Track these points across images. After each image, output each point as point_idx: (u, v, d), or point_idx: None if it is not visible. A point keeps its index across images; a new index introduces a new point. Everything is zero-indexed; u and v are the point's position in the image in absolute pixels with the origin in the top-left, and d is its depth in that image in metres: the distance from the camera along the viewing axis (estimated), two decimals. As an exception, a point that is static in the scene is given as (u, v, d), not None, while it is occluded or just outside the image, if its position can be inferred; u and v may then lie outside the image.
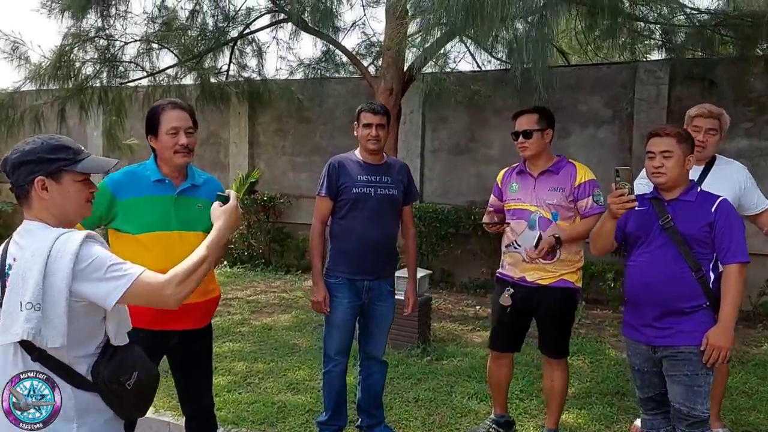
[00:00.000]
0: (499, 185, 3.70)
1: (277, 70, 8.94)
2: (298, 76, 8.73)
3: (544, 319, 3.54)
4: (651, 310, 2.89)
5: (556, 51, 9.00)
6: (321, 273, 3.52)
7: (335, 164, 3.52)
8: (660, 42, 7.25)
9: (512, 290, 3.50)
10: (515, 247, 3.49)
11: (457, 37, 7.20)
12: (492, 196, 3.76)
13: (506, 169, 3.73)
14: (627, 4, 6.32)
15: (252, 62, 8.40)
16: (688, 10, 6.88)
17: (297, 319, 6.33)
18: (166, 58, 11.29)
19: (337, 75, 9.19)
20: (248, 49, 8.35)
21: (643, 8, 6.57)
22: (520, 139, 3.48)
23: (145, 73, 8.04)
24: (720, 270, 2.88)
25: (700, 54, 7.13)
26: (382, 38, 7.37)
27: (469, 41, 7.36)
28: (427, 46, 7.14)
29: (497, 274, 3.67)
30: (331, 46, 7.77)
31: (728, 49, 6.84)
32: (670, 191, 2.90)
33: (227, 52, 8.20)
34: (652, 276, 2.86)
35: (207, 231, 2.85)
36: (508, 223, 3.50)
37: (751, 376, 4.86)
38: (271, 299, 7.20)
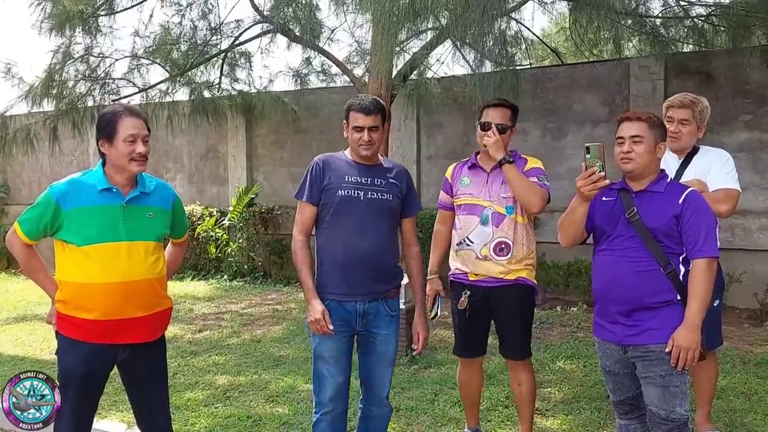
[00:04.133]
0: (449, 180, 3.51)
1: (269, 81, 8.79)
2: (290, 86, 8.70)
3: (504, 320, 3.37)
4: (618, 307, 2.74)
5: (550, 51, 8.88)
6: (313, 288, 2.89)
7: (320, 163, 2.96)
8: (653, 36, 7.09)
9: (469, 293, 3.34)
10: (468, 245, 3.33)
11: (448, 40, 7.15)
12: (442, 192, 3.56)
13: (456, 163, 3.58)
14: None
15: (242, 74, 8.39)
16: (682, 4, 6.75)
17: (287, 331, 6.22)
18: (156, 74, 11.37)
19: (333, 85, 9.17)
20: (239, 62, 8.33)
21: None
22: (492, 131, 3.31)
23: (136, 89, 8.06)
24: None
25: (694, 47, 6.97)
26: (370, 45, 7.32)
27: (460, 43, 7.27)
28: (415, 50, 7.12)
29: (450, 278, 3.48)
30: (314, 53, 7.73)
31: (722, 41, 6.66)
32: (638, 181, 2.75)
33: (218, 66, 8.20)
34: (619, 272, 2.71)
35: (158, 240, 2.80)
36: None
37: (751, 376, 4.65)
38: (264, 312, 7.11)
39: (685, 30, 6.76)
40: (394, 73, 6.93)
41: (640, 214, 2.69)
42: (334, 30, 7.55)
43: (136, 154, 2.63)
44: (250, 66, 8.35)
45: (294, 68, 8.39)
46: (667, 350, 2.61)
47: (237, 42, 8.00)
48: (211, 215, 9.73)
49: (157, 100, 8.27)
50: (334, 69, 8.51)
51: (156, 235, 2.75)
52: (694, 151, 3.49)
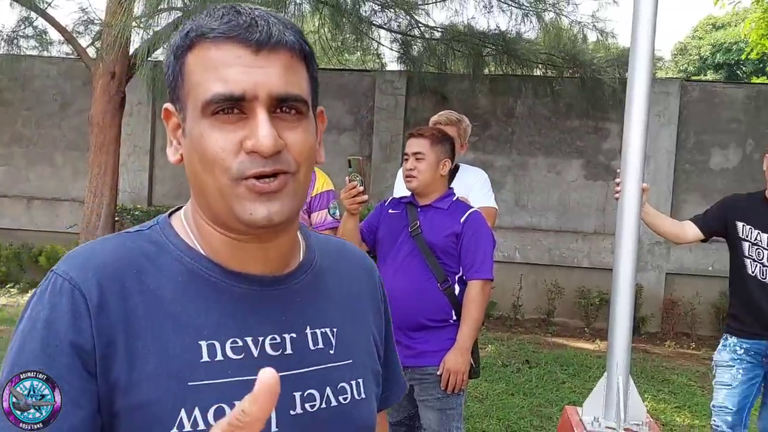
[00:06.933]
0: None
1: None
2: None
3: None
4: (398, 326, 2.63)
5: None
6: None
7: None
8: (398, 53, 7.40)
9: None
10: None
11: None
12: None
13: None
14: (367, 8, 6.32)
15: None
16: (422, 27, 7.14)
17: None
18: None
19: (47, 54, 7.82)
20: None
21: (383, 15, 6.62)
22: None
23: None
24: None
25: (434, 69, 7.44)
26: (103, 15, 6.37)
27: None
28: (157, 29, 6.38)
29: None
30: (34, 15, 6.49)
31: (459, 66, 7.20)
32: (424, 197, 2.71)
33: None
34: (398, 287, 2.60)
35: None
36: None
37: (480, 380, 4.98)
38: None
39: (427, 51, 7.17)
40: (132, 50, 6.14)
41: (422, 229, 2.65)
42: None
43: None
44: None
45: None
46: (438, 373, 2.59)
47: None
48: None
49: None
50: (53, 35, 7.26)
51: None
52: (456, 168, 3.58)
